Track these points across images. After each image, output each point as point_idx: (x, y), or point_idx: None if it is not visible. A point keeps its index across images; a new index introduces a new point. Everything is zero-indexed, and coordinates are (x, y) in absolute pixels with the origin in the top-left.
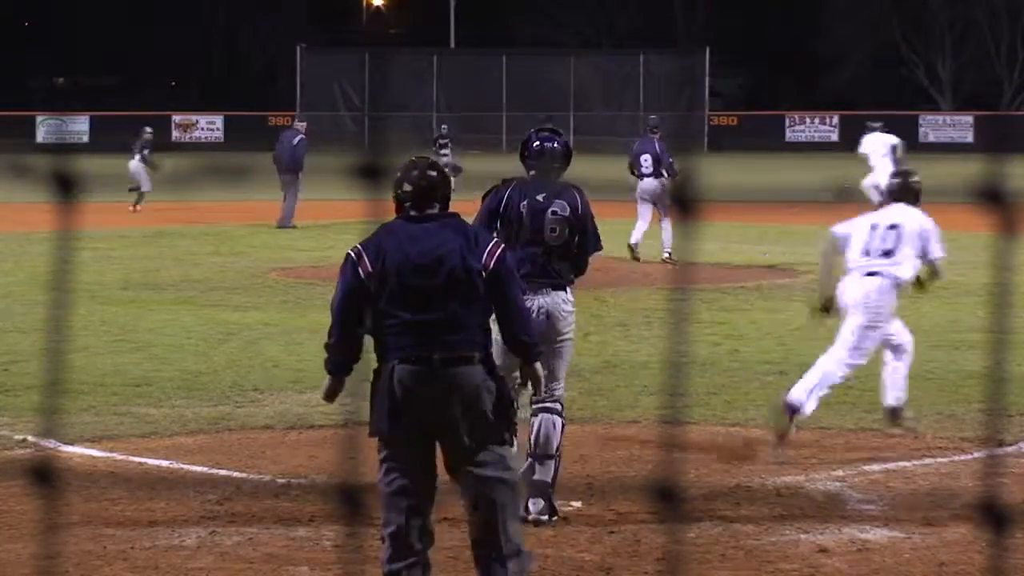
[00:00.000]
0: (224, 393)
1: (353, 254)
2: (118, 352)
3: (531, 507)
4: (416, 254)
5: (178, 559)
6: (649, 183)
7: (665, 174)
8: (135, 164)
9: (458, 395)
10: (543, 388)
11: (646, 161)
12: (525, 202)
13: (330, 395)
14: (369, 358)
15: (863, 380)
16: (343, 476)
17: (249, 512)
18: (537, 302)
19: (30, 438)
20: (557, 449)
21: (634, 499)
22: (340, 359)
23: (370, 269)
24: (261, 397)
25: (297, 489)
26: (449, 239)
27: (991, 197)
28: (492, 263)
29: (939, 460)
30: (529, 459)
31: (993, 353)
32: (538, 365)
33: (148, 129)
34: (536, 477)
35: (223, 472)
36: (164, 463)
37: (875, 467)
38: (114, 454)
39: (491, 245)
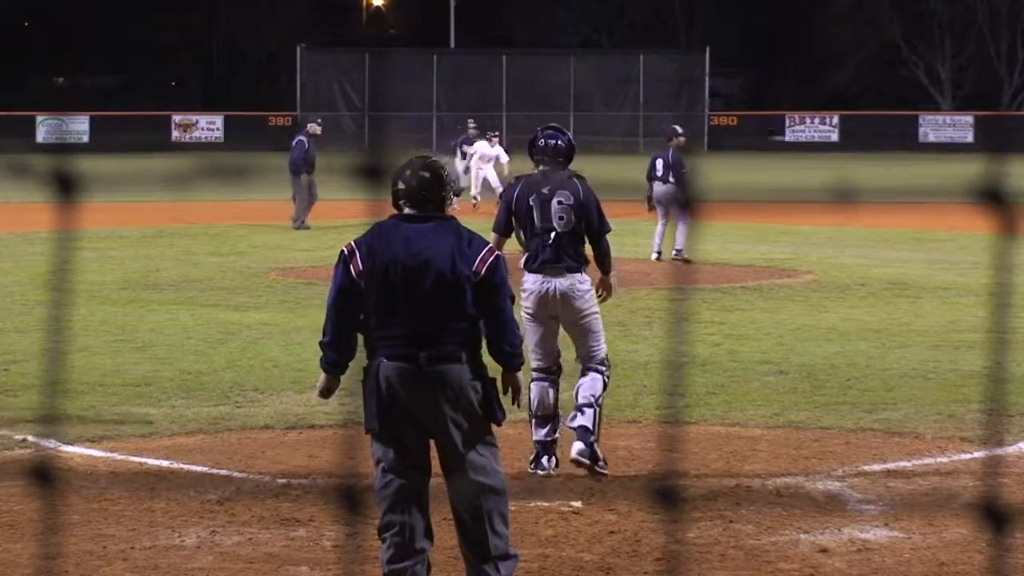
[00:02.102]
0: (224, 393)
1: (346, 251)
2: (118, 352)
3: (573, 450)
4: (406, 254)
5: (178, 559)
6: (658, 187)
7: (673, 180)
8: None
9: (444, 393)
10: (522, 398)
11: (659, 165)
12: (533, 196)
13: (325, 393)
14: (364, 356)
15: (863, 380)
16: (343, 476)
17: (249, 512)
18: (554, 284)
19: (30, 438)
20: (598, 400)
21: (634, 499)
22: (334, 357)
23: (361, 268)
24: (261, 397)
25: (297, 489)
26: (440, 242)
27: (991, 197)
28: (483, 270)
29: (939, 460)
30: (574, 411)
31: (993, 353)
32: (520, 375)
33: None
34: (577, 423)
35: (223, 472)
36: (164, 463)
37: (875, 467)
38: (114, 454)
39: (484, 252)
